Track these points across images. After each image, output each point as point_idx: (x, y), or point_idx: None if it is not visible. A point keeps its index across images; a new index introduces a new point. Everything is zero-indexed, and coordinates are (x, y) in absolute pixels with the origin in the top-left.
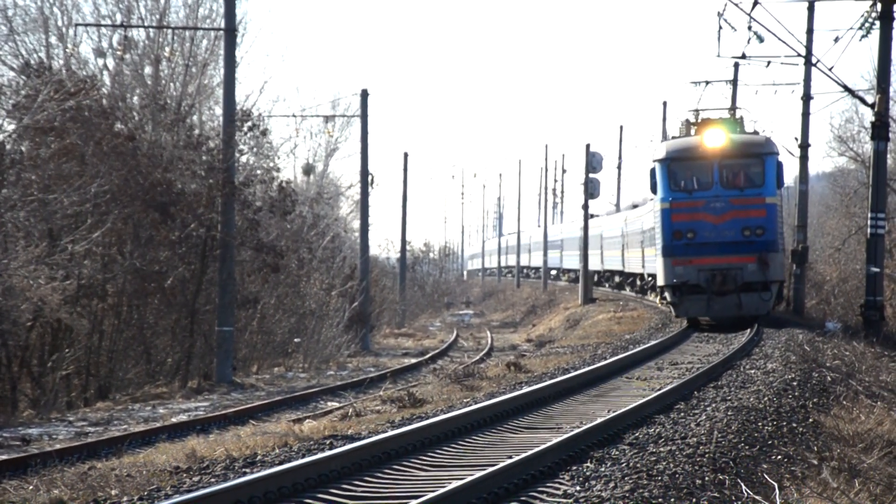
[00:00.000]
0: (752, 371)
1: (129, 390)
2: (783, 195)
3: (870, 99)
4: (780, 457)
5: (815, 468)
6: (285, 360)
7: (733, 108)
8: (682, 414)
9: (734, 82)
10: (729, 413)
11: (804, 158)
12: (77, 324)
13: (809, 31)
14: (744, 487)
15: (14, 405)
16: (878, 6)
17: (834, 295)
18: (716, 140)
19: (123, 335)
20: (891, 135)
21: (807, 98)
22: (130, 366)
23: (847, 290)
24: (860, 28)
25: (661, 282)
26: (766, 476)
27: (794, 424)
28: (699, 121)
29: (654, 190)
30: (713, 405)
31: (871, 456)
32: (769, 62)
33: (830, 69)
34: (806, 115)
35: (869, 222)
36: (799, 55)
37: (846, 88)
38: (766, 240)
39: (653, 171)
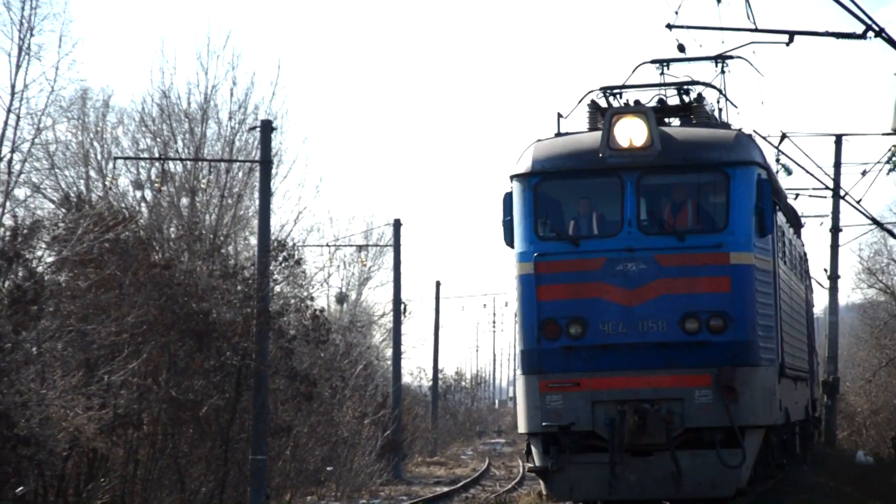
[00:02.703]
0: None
1: None
2: (780, 250)
3: None
4: None
5: None
6: (318, 488)
7: (696, 84)
8: None
9: None
10: None
11: (834, 290)
12: (112, 453)
13: (837, 165)
14: None
15: None
16: None
17: (865, 427)
18: (630, 137)
19: (158, 464)
20: None
21: (835, 230)
22: (165, 495)
23: (878, 421)
24: (887, 162)
25: (521, 426)
26: None
27: None
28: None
29: (508, 238)
30: None
31: None
32: (797, 195)
33: (858, 202)
34: (835, 246)
35: None
36: (827, 188)
37: (874, 221)
38: (733, 339)
39: (507, 200)
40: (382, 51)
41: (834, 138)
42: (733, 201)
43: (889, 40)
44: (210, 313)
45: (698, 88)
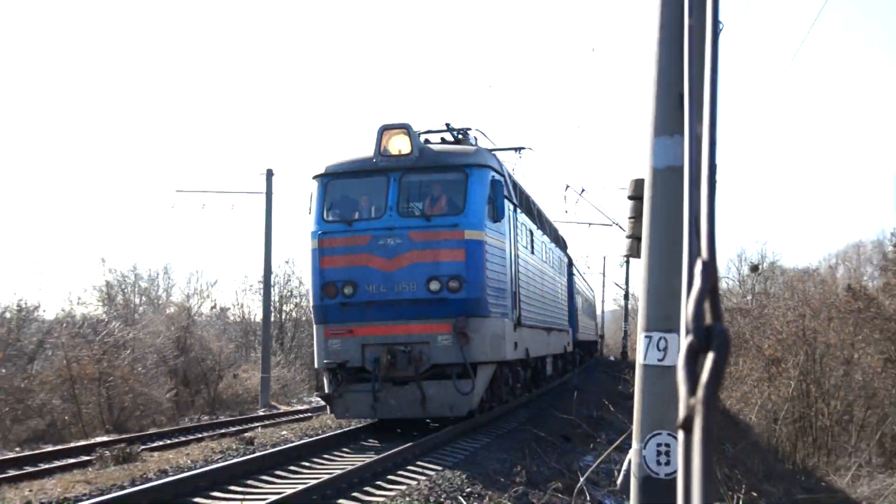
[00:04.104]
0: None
1: None
2: (512, 232)
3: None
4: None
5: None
6: None
7: (467, 129)
8: None
9: None
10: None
11: (602, 303)
12: None
13: (604, 264)
14: None
15: None
16: (628, 258)
17: (612, 349)
18: (398, 147)
19: None
20: (631, 299)
21: (603, 289)
22: None
23: (616, 346)
24: (624, 262)
25: (316, 363)
26: None
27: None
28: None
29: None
30: None
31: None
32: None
33: (614, 281)
34: (603, 298)
35: (622, 327)
36: (601, 274)
37: (617, 284)
38: (466, 297)
39: (310, 197)
40: None
41: (603, 256)
42: (469, 193)
43: (620, 227)
44: None
45: (468, 129)
